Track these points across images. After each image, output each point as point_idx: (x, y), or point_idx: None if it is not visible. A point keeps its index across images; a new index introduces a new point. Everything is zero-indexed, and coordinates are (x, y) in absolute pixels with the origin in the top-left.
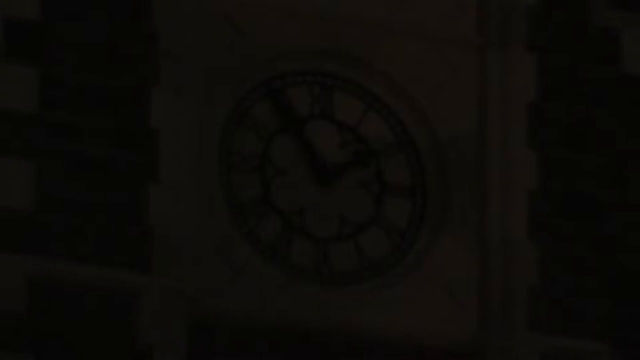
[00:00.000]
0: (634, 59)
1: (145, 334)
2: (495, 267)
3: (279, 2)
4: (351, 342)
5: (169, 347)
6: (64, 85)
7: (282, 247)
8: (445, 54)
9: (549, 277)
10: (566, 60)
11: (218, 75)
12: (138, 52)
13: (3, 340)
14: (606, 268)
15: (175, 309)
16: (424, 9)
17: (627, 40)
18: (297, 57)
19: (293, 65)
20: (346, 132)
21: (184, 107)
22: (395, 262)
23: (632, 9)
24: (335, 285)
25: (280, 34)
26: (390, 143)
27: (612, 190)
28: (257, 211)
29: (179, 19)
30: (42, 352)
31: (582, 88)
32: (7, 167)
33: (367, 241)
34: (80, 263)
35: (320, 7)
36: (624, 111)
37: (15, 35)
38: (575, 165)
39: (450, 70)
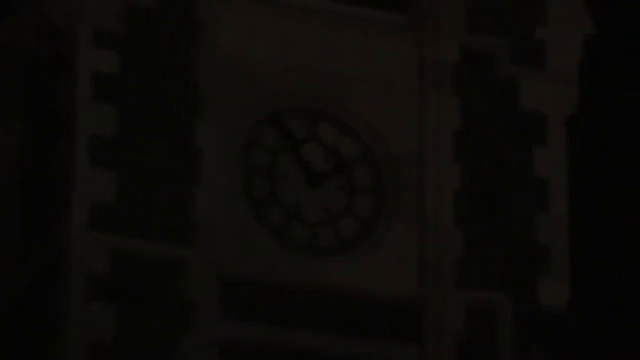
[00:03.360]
0: (529, 100)
1: (190, 291)
2: (432, 244)
3: (281, 61)
4: (331, 296)
5: (207, 300)
6: (136, 117)
7: (284, 229)
8: (396, 96)
9: (469, 250)
10: (480, 100)
11: (241, 110)
12: (187, 95)
13: (94, 295)
14: (509, 244)
15: (211, 272)
16: (381, 64)
17: (524, 86)
18: (294, 98)
19: (291, 104)
20: (328, 150)
21: (218, 133)
22: (362, 241)
23: (529, 64)
24: (321, 256)
25: (283, 82)
26: (358, 158)
27: (512, 189)
28: (267, 204)
29: (215, 72)
30: (123, 302)
31: (492, 120)
32: (98, 173)
33: (342, 226)
34: (147, 240)
35: (309, 64)
36: (519, 136)
37: (101, 83)
38: (487, 172)
39: (399, 107)
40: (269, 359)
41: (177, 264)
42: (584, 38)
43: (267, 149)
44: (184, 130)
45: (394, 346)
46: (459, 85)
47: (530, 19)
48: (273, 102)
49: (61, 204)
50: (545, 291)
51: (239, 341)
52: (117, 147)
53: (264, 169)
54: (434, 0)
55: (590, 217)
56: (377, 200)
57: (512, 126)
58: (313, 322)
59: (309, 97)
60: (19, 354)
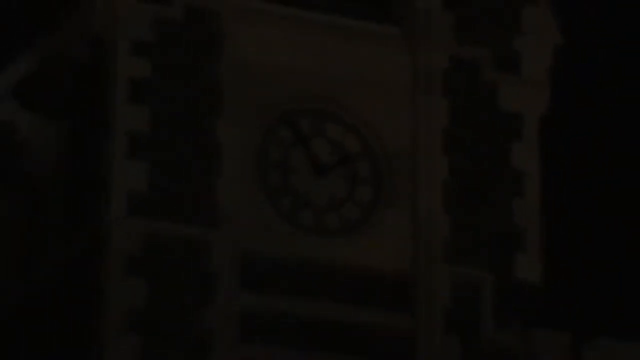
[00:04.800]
0: (507, 101)
1: (213, 267)
2: (423, 226)
3: (293, 67)
4: (336, 271)
5: (228, 274)
6: (166, 116)
7: (295, 213)
8: (392, 98)
9: (456, 232)
10: (465, 101)
11: (257, 111)
12: (210, 97)
13: (130, 271)
14: (490, 226)
15: (232, 251)
16: (379, 70)
17: (502, 89)
18: (303, 100)
19: (301, 105)
20: (334, 145)
21: (237, 131)
22: (362, 224)
23: (507, 70)
24: (327, 237)
25: (294, 86)
26: (359, 152)
27: (493, 178)
28: (280, 192)
29: (234, 77)
30: (155, 278)
31: (475, 119)
32: (133, 165)
33: (345, 211)
34: (176, 223)
35: (317, 70)
36: (498, 133)
37: (135, 86)
38: (471, 164)
39: (395, 107)
40: (281, 325)
41: (202, 243)
42: (553, 48)
43: (280, 144)
44: (208, 127)
45: (389, 315)
46: (447, 89)
47: (508, 32)
48: (285, 103)
49: (101, 193)
50: (522, 267)
51: (255, 310)
52: (149, 143)
53: (277, 162)
54: (426, 14)
55: (560, 202)
56: (375, 189)
57: (492, 124)
58: (320, 294)
59: (316, 99)
60: (64, 323)
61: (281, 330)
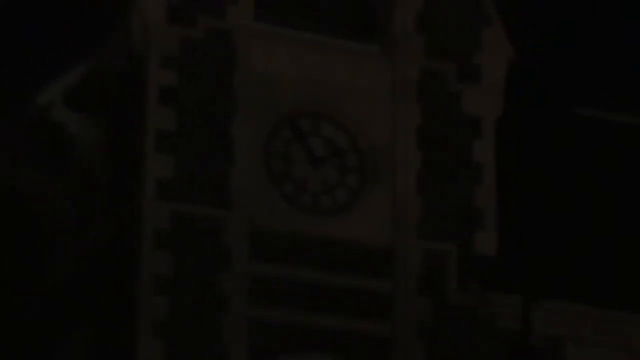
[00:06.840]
0: (469, 106)
1: (228, 240)
2: (402, 205)
3: (294, 76)
4: (329, 245)
5: (240, 247)
6: (189, 116)
7: (295, 196)
8: (376, 103)
9: (427, 212)
10: (435, 106)
11: (264, 111)
12: (226, 100)
13: (159, 245)
14: (455, 207)
15: (244, 227)
16: (365, 80)
17: (465, 96)
18: (303, 105)
19: (301, 108)
20: (327, 141)
21: (248, 129)
22: (352, 203)
23: (469, 80)
24: (322, 216)
25: (295, 92)
26: (348, 147)
27: (458, 168)
28: (284, 179)
29: (246, 84)
30: (180, 250)
31: (443, 120)
32: (162, 157)
33: (338, 194)
34: (197, 205)
35: (314, 79)
36: (462, 132)
37: (165, 93)
38: (440, 156)
39: (378, 110)
40: (284, 289)
41: (218, 222)
42: (508, 62)
43: (283, 140)
44: (223, 126)
45: (373, 280)
46: (420, 96)
47: (470, 49)
48: (288, 105)
49: (136, 179)
50: (481, 242)
51: (264, 277)
52: (175, 138)
53: (281, 154)
54: (402, 35)
55: (513, 188)
56: (361, 177)
57: (457, 125)
58: (316, 263)
59: (313, 104)
60: (106, 286)
61: (285, 294)
